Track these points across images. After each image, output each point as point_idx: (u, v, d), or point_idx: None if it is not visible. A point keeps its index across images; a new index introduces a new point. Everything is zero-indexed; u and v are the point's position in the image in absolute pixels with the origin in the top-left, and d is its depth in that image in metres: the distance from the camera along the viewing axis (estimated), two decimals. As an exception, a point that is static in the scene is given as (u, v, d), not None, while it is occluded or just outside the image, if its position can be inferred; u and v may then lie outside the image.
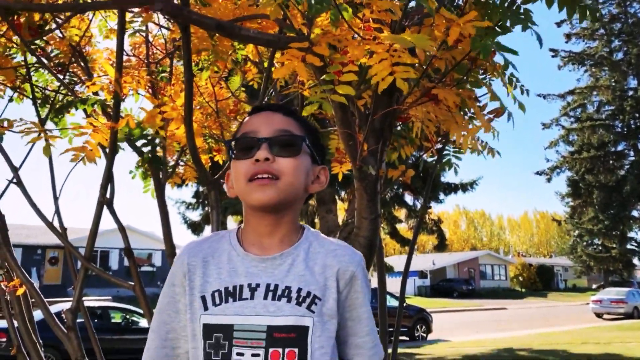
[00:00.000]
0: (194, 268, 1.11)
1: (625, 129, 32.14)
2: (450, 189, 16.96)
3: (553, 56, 33.05)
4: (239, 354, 1.02)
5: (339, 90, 1.56)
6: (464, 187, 17.15)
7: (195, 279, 1.10)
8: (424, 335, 15.71)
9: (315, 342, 1.04)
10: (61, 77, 2.89)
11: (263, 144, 1.09)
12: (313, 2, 1.42)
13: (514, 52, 1.69)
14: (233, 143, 1.14)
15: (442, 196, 17.01)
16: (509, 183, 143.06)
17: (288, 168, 1.09)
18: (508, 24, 1.63)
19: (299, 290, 1.06)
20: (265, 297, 1.05)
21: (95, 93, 2.56)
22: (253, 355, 1.02)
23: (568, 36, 33.37)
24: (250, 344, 1.02)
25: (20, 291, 2.47)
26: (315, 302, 1.05)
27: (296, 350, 1.03)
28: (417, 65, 1.72)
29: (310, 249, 1.12)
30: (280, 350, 1.02)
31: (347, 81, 1.57)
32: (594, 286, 48.20)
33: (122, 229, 2.36)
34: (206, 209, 15.97)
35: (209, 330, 1.05)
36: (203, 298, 1.08)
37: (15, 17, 2.50)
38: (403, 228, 18.31)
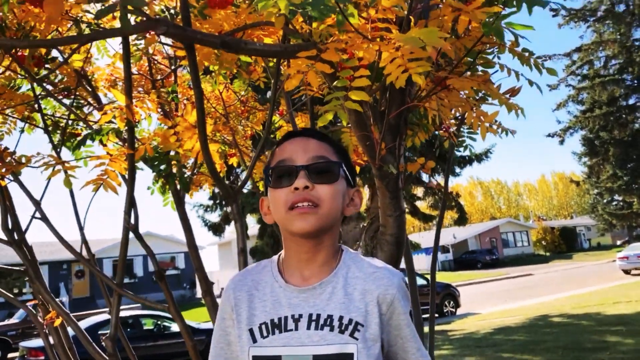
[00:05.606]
0: (240, 302, 1.14)
1: (636, 81, 31.44)
2: (465, 161, 16.89)
3: (554, 15, 32.36)
4: None
5: (352, 96, 1.53)
6: (479, 157, 17.09)
7: (242, 312, 1.13)
8: (453, 310, 15.76)
9: None
10: (68, 102, 2.89)
11: (301, 171, 1.10)
12: (313, 14, 1.39)
13: (530, 28, 1.65)
14: (270, 171, 1.15)
15: (457, 169, 16.97)
16: (520, 148, 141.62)
17: (327, 195, 1.10)
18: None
19: (341, 318, 1.07)
20: (309, 327, 1.07)
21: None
22: None
23: (567, -7, 32.60)
24: None
25: (57, 322, 2.50)
26: (358, 328, 1.06)
27: None
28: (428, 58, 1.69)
29: (349, 274, 1.13)
30: None
31: (360, 87, 1.54)
32: (618, 242, 47.81)
33: (151, 254, 2.36)
34: (224, 209, 16.09)
35: None
36: (251, 331, 1.10)
37: (19, 50, 2.50)
38: (421, 205, 18.30)
